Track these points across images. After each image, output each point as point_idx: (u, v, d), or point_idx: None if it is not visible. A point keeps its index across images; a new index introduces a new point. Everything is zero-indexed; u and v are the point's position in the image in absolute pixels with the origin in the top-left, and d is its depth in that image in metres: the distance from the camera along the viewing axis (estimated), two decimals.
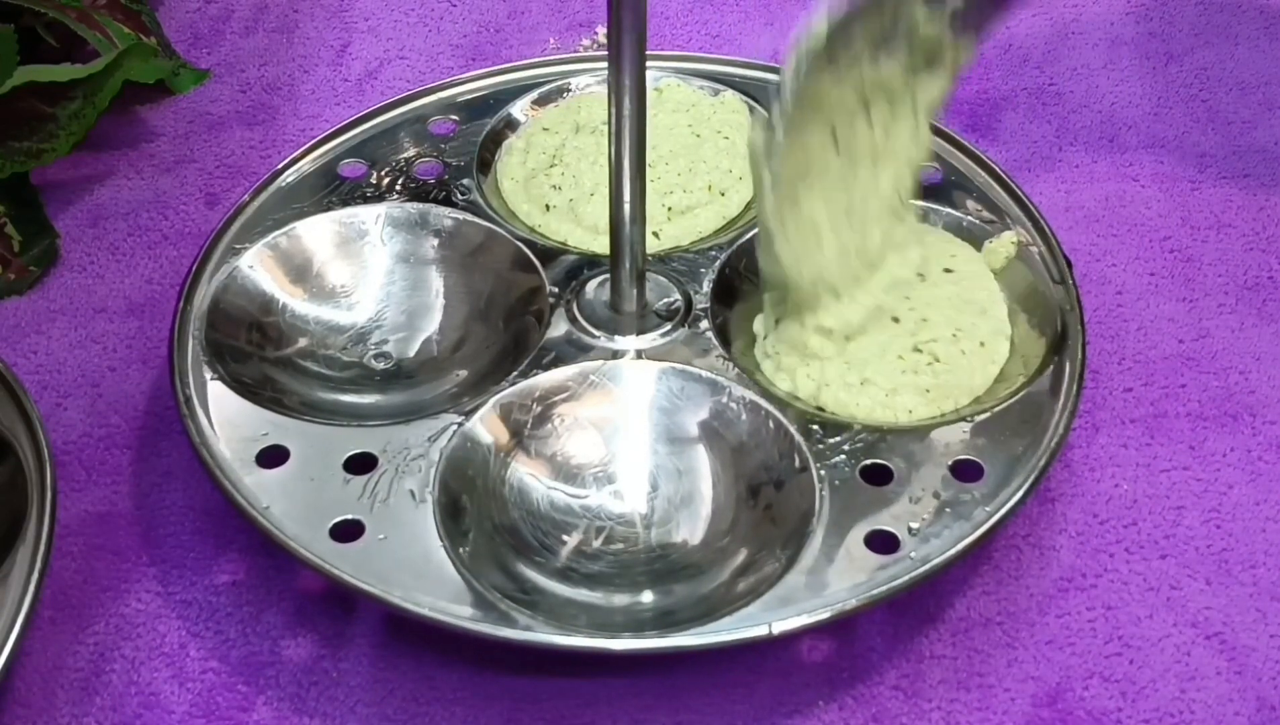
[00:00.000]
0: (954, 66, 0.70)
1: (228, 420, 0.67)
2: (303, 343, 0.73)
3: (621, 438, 0.68)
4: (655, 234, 0.75)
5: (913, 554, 0.62)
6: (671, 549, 0.65)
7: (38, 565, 0.61)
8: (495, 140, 0.82)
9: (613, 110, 0.65)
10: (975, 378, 0.69)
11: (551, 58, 0.87)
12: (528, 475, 0.67)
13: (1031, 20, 0.96)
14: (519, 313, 0.73)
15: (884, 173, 0.70)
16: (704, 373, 0.69)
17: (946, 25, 0.68)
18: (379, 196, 0.78)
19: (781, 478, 0.66)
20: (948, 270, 0.73)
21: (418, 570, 0.61)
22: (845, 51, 0.65)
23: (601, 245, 0.73)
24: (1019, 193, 0.77)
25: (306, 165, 0.80)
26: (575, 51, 0.94)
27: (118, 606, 0.66)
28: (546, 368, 0.69)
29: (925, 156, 0.72)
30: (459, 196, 0.78)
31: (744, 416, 0.68)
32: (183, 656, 0.65)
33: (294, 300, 0.75)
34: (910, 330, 0.70)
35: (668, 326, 0.71)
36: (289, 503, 0.64)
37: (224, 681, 0.64)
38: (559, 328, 0.71)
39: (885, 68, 0.68)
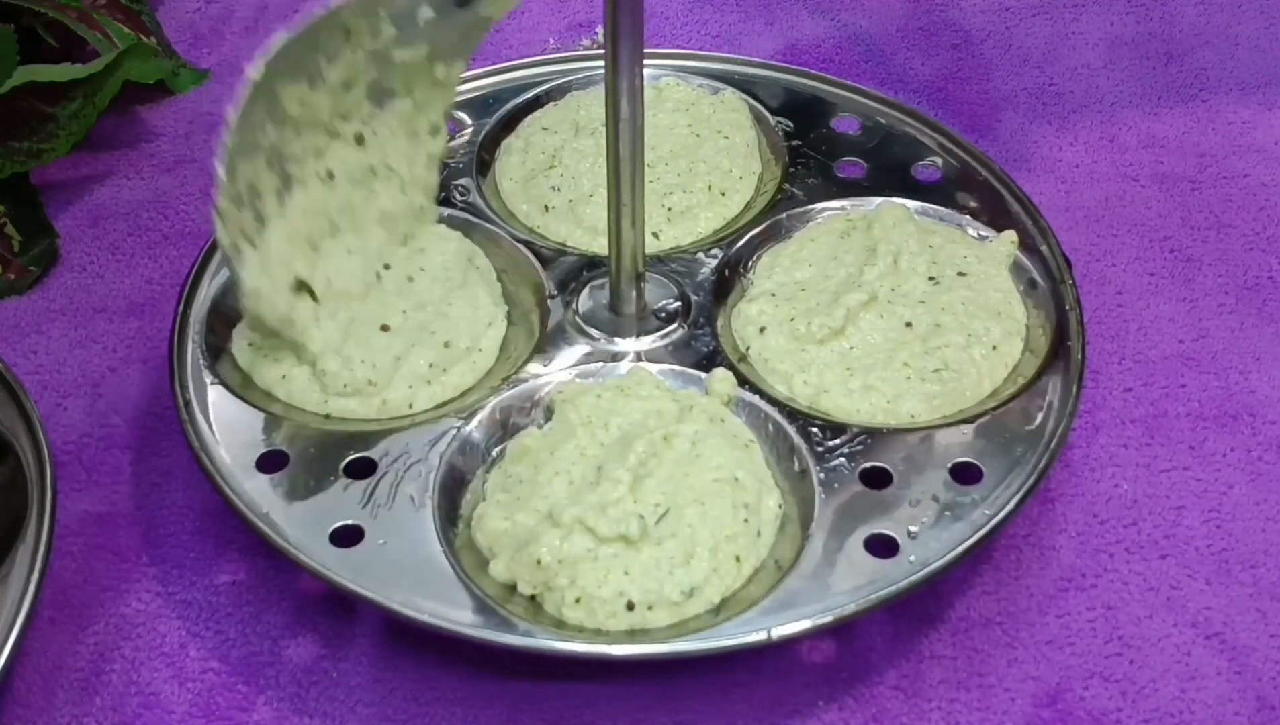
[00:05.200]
0: (448, 84, 0.72)
1: (228, 425, 0.67)
2: None
3: None
4: (655, 235, 0.75)
5: (912, 558, 0.62)
6: None
7: (38, 565, 0.61)
8: (494, 140, 0.82)
9: (610, 115, 0.65)
10: (984, 383, 0.69)
11: (551, 56, 0.87)
12: None
13: (1031, 20, 0.96)
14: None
15: (383, 191, 0.71)
16: (703, 375, 0.69)
17: (425, 55, 0.70)
18: None
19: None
20: (961, 273, 0.73)
21: (418, 575, 0.61)
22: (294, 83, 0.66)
23: (601, 246, 0.73)
24: (1019, 193, 0.77)
25: None
26: (575, 51, 0.94)
27: (118, 606, 0.66)
28: (546, 370, 0.69)
29: (434, 164, 0.73)
30: (458, 197, 0.78)
31: (743, 419, 0.68)
32: (183, 656, 0.65)
33: None
34: (922, 336, 0.70)
35: (667, 328, 0.71)
36: (289, 508, 0.64)
37: (224, 681, 0.64)
38: (559, 330, 0.71)
39: (349, 99, 0.69)
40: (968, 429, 0.67)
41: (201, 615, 0.66)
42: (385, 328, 0.70)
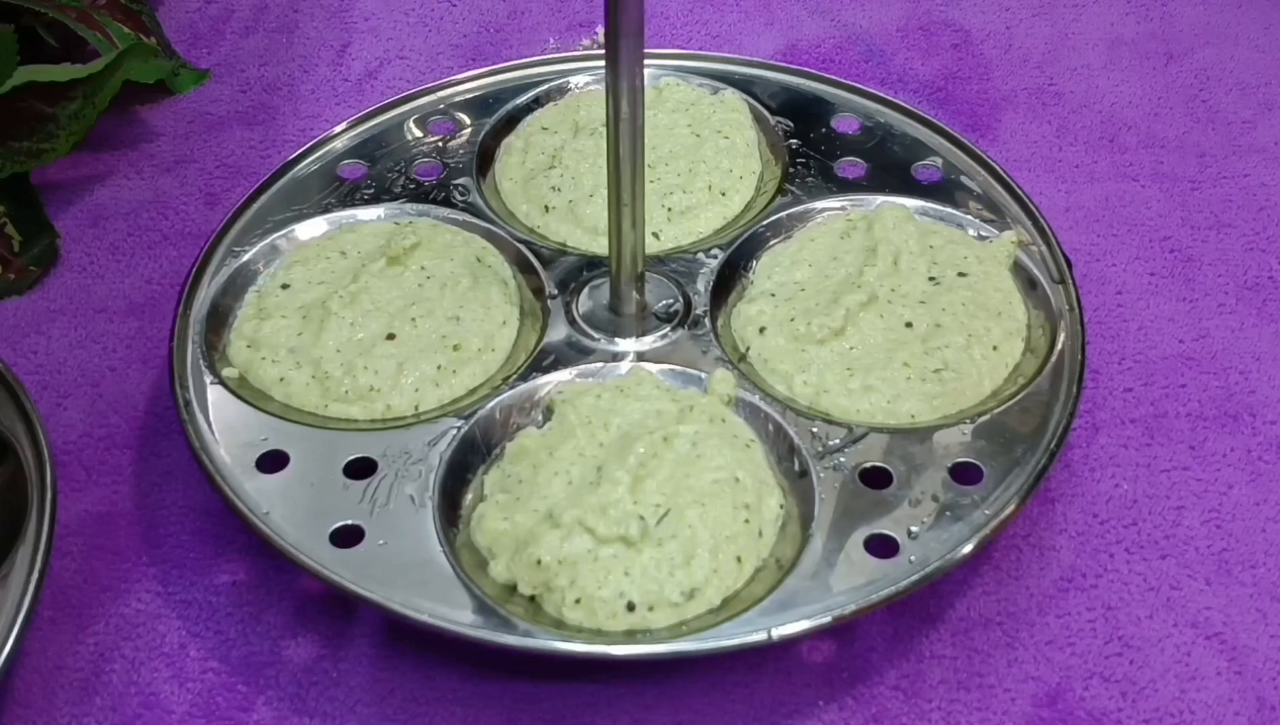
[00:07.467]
0: None
1: (227, 425, 0.67)
2: None
3: None
4: (655, 235, 0.75)
5: (912, 558, 0.62)
6: None
7: (38, 565, 0.61)
8: (494, 140, 0.82)
9: (610, 115, 0.65)
10: (985, 383, 0.69)
11: (551, 56, 0.87)
12: None
13: (1031, 20, 0.96)
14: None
15: None
16: (704, 375, 0.69)
17: None
18: (378, 197, 0.78)
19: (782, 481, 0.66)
20: (962, 274, 0.73)
21: (418, 575, 0.61)
22: None
23: (601, 246, 0.73)
24: (1019, 193, 0.77)
25: (306, 166, 0.80)
26: (575, 51, 0.94)
27: (118, 606, 0.66)
28: (546, 371, 0.69)
29: None
30: (458, 197, 0.78)
31: (743, 419, 0.68)
32: (183, 656, 0.65)
33: None
34: (922, 336, 0.70)
35: (667, 328, 0.71)
36: (289, 508, 0.64)
37: (224, 681, 0.64)
38: (559, 330, 0.71)
39: None
40: (968, 429, 0.67)
41: (201, 615, 0.66)
42: (391, 337, 0.70)
